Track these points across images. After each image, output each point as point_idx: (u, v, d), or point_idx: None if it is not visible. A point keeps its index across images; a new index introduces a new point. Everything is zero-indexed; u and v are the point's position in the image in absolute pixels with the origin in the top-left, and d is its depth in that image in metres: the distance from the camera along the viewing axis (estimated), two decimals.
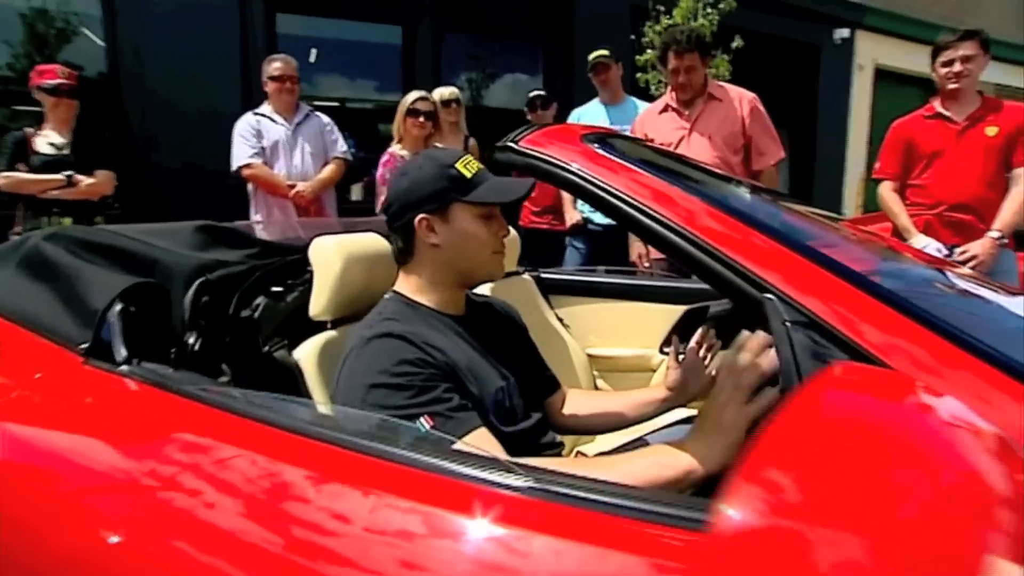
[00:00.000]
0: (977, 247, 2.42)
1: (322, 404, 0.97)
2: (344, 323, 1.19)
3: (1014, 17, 10.82)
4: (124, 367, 0.91)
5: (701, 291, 2.06)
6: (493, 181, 1.04)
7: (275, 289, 1.21)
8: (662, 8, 4.91)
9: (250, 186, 2.92)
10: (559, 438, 1.17)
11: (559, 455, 1.13)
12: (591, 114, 3.30)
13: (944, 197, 2.51)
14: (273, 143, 2.85)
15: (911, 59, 9.58)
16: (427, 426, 0.85)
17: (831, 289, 0.61)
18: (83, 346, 0.95)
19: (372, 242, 1.25)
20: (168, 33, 4.54)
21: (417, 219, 1.01)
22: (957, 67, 2.47)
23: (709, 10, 4.75)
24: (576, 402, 1.29)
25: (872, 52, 9.08)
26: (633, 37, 5.09)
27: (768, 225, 0.69)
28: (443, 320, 1.05)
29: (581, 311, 2.18)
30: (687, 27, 2.75)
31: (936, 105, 2.60)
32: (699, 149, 2.46)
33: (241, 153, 2.81)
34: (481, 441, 0.86)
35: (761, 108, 2.53)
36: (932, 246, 2.48)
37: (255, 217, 2.93)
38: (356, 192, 5.79)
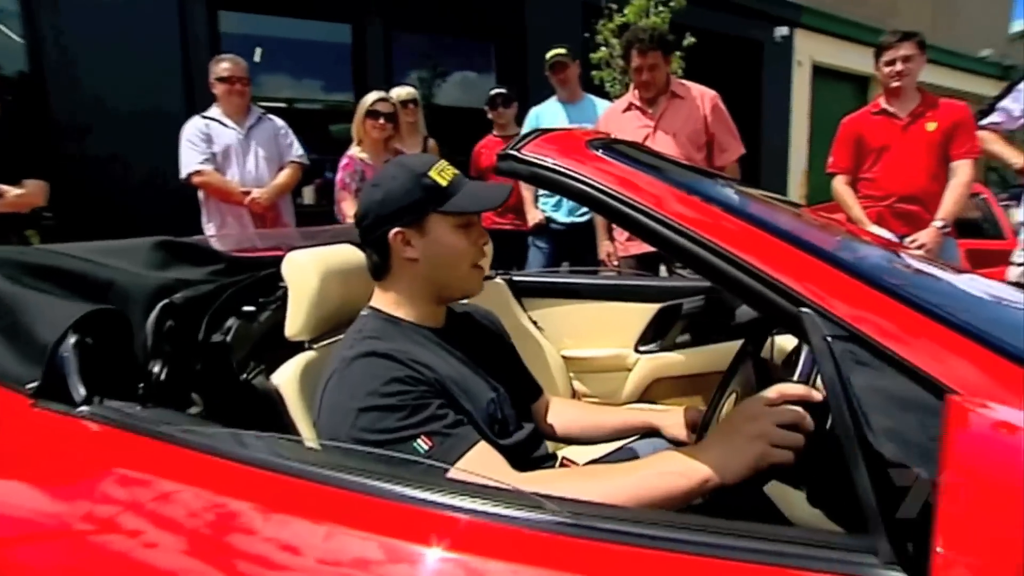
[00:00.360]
0: (925, 236, 2.55)
1: (312, 440, 0.90)
2: (321, 340, 1.12)
3: (926, 19, 11.65)
4: (84, 408, 0.82)
5: (674, 288, 2.08)
6: (470, 187, 0.99)
7: (247, 309, 1.12)
8: (615, 6, 4.96)
9: (201, 194, 2.77)
10: (551, 448, 1.15)
11: (552, 467, 1.11)
12: (549, 112, 3.28)
13: (894, 189, 2.63)
14: (224, 148, 2.70)
15: (844, 56, 10.11)
16: (426, 447, 0.81)
17: (869, 301, 0.60)
18: (32, 386, 0.85)
19: (347, 254, 1.19)
20: (98, 30, 4.25)
21: (392, 233, 0.96)
22: (899, 66, 2.60)
23: (661, 8, 4.82)
24: (560, 411, 1.27)
25: (809, 49, 9.49)
26: (587, 35, 5.11)
27: (796, 236, 0.67)
28: (425, 334, 1.01)
29: (554, 313, 2.16)
30: (649, 26, 2.77)
31: (881, 102, 2.72)
32: (664, 147, 2.47)
33: (190, 159, 2.65)
34: (483, 456, 0.83)
35: (722, 106, 2.57)
36: (884, 236, 2.59)
37: (207, 226, 2.77)
38: (308, 196, 5.61)
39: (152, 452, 0.75)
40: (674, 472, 0.74)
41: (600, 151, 0.79)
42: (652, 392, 2.08)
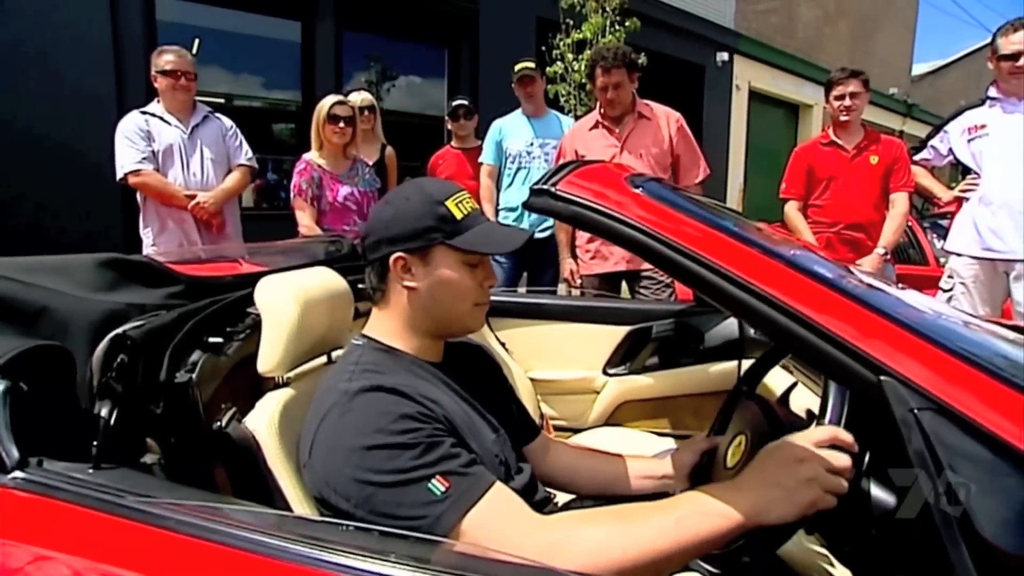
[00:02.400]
0: (869, 263, 2.71)
1: (311, 512, 0.80)
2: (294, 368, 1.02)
3: (845, 56, 12.64)
4: (17, 474, 0.67)
5: (642, 311, 2.08)
6: (486, 226, 0.93)
7: (213, 341, 1.00)
8: (571, 22, 5.01)
9: (139, 196, 2.53)
10: (547, 490, 1.10)
11: (552, 511, 1.05)
12: (514, 126, 3.24)
13: (841, 217, 2.78)
14: (166, 147, 2.48)
15: (776, 83, 10.76)
16: (442, 488, 0.74)
17: (954, 371, 0.58)
18: None
19: (327, 280, 1.10)
20: (17, 11, 3.86)
21: (393, 256, 0.90)
22: (847, 101, 2.76)
23: (617, 28, 4.91)
24: (566, 458, 1.17)
25: (747, 75, 10.02)
26: (543, 48, 5.13)
27: (869, 300, 0.64)
28: (426, 368, 0.94)
29: (521, 334, 2.12)
30: (614, 45, 2.79)
31: (830, 133, 2.87)
32: (631, 167, 2.49)
33: (128, 158, 2.42)
34: (503, 497, 0.78)
35: (686, 127, 2.62)
36: None
37: (144, 232, 2.54)
38: (248, 198, 5.34)
39: (110, 534, 0.61)
40: (716, 513, 0.70)
41: (641, 190, 0.75)
42: (619, 415, 2.07)
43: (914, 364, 0.57)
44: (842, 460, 0.69)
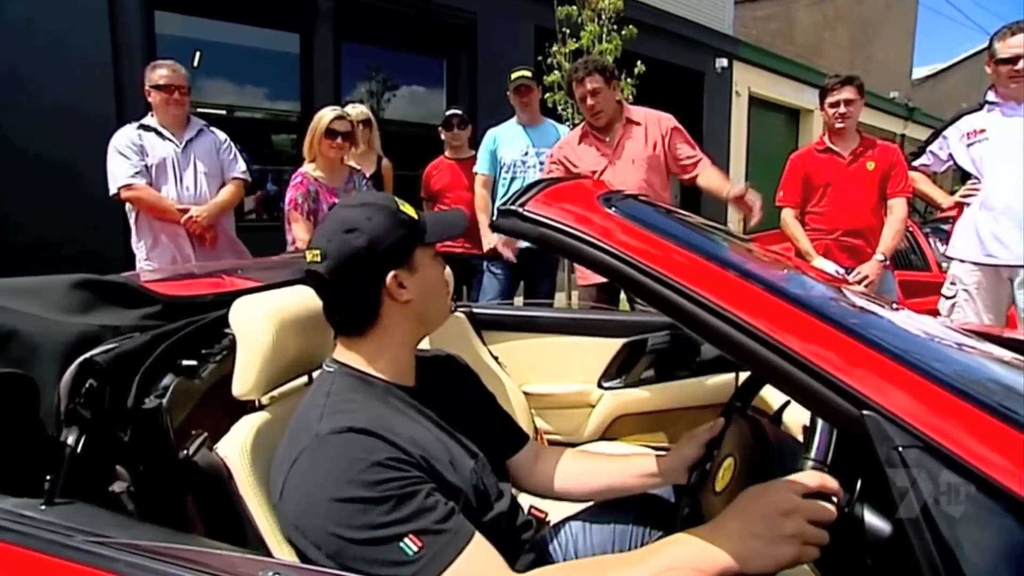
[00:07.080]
0: (868, 268, 2.68)
1: (285, 554, 0.77)
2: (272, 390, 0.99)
3: (845, 61, 12.65)
4: None
5: (638, 323, 2.05)
6: (432, 216, 0.96)
7: (187, 364, 0.98)
8: (567, 31, 5.00)
9: (131, 210, 2.52)
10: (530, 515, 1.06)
11: (533, 535, 1.02)
12: (509, 134, 3.23)
13: (839, 224, 2.75)
14: (160, 161, 2.47)
15: (776, 89, 10.75)
16: (414, 548, 0.70)
17: (945, 405, 0.54)
18: None
19: (303, 298, 1.07)
20: (16, 23, 3.88)
21: (389, 278, 0.88)
22: (842, 108, 2.73)
23: (613, 35, 4.90)
24: (561, 463, 1.12)
25: (747, 81, 10.02)
26: (540, 58, 5.13)
27: (853, 326, 0.60)
28: (401, 396, 0.91)
29: (515, 347, 2.09)
30: (586, 58, 2.80)
31: (825, 140, 2.84)
32: (624, 174, 2.46)
33: (121, 172, 2.41)
34: (480, 555, 0.74)
35: (680, 127, 2.58)
36: (831, 268, 2.69)
37: (137, 246, 2.52)
38: (247, 207, 5.35)
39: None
40: (691, 569, 0.67)
41: (614, 210, 0.71)
42: (615, 429, 2.04)
43: (900, 396, 0.54)
44: (827, 512, 0.65)
